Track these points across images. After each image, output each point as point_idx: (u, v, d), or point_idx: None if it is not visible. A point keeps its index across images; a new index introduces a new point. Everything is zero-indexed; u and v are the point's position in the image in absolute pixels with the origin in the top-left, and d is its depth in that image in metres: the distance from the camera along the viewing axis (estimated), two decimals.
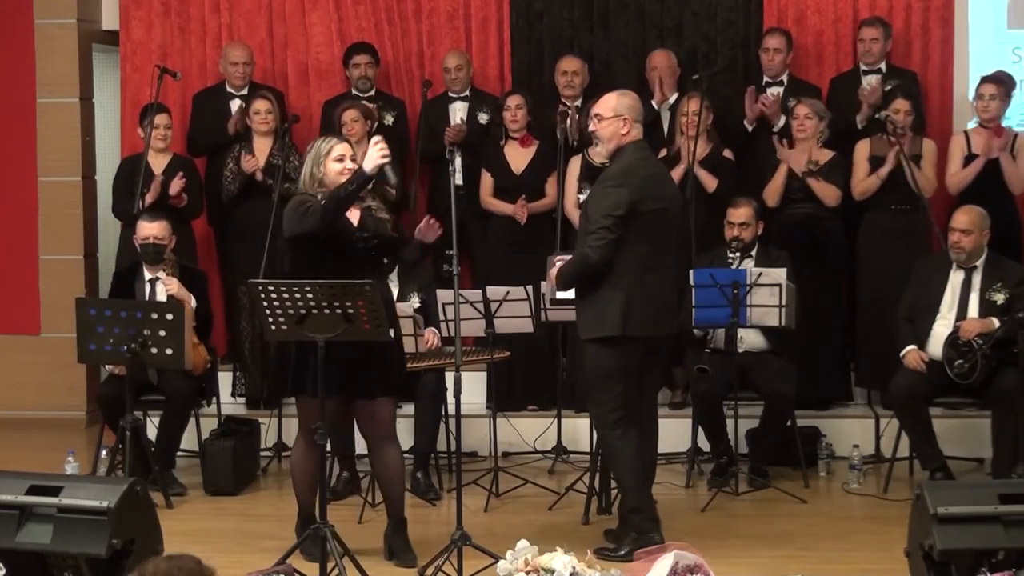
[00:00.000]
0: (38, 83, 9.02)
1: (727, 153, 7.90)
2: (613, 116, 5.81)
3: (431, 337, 6.89)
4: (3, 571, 4.90)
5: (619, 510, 6.09)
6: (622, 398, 5.77)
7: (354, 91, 8.42)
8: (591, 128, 5.94)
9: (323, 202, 5.56)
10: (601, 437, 5.98)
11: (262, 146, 8.17)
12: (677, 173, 7.45)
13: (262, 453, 7.60)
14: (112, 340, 6.58)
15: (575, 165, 7.84)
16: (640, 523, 5.80)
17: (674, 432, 6.31)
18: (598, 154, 5.92)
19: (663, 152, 7.77)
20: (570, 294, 6.39)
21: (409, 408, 7.27)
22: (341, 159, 5.67)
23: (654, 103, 7.95)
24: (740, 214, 7.24)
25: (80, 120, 9.01)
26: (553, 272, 5.94)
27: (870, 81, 8.02)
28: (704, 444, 7.26)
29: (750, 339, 7.07)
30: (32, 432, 8.40)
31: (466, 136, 8.15)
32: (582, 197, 6.55)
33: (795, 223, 7.68)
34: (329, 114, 8.29)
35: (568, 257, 6.00)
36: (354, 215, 5.72)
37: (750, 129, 8.03)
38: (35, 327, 9.07)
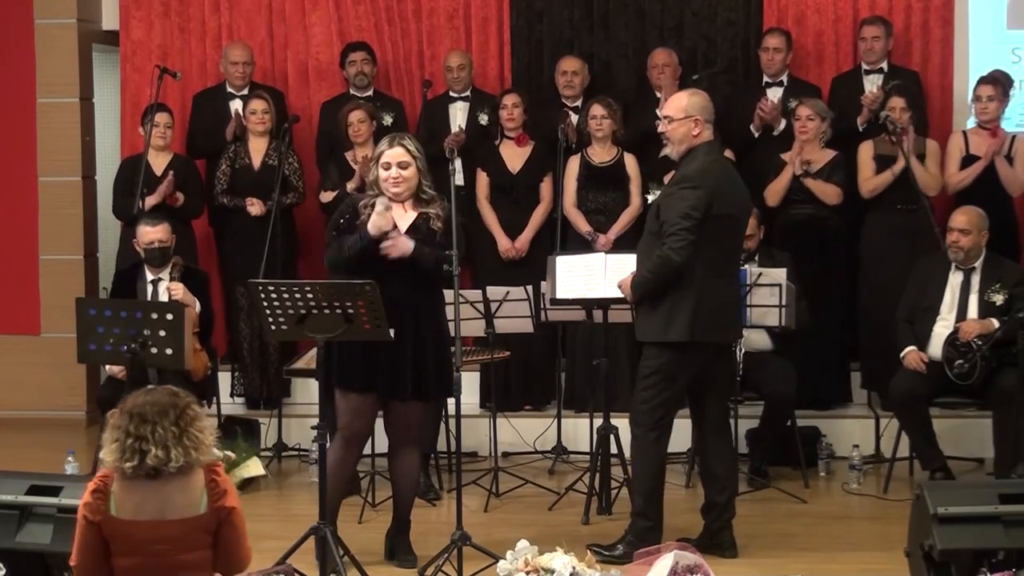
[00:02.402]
0: (38, 83, 9.02)
1: (727, 154, 7.88)
2: (684, 117, 5.72)
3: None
4: (3, 571, 4.89)
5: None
6: (669, 401, 5.76)
7: (352, 89, 8.42)
8: (661, 129, 5.88)
9: (347, 249, 5.56)
10: (634, 435, 5.90)
11: (258, 146, 8.17)
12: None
13: (262, 453, 7.60)
14: (112, 340, 6.56)
15: (573, 165, 7.84)
16: (642, 529, 5.77)
17: (674, 432, 6.28)
18: (674, 153, 5.82)
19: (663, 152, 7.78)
20: (572, 293, 6.39)
21: None
22: (387, 166, 5.64)
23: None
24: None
25: (80, 120, 9.01)
26: (626, 282, 5.82)
27: (875, 83, 8.00)
28: None
29: (750, 339, 7.06)
30: (32, 432, 8.39)
31: (466, 141, 8.14)
32: (650, 198, 6.44)
33: (797, 223, 7.68)
34: (328, 115, 8.30)
35: (563, 267, 5.92)
36: (405, 218, 5.67)
37: (756, 135, 8.00)
38: (35, 327, 9.07)
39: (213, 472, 4.00)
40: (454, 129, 8.34)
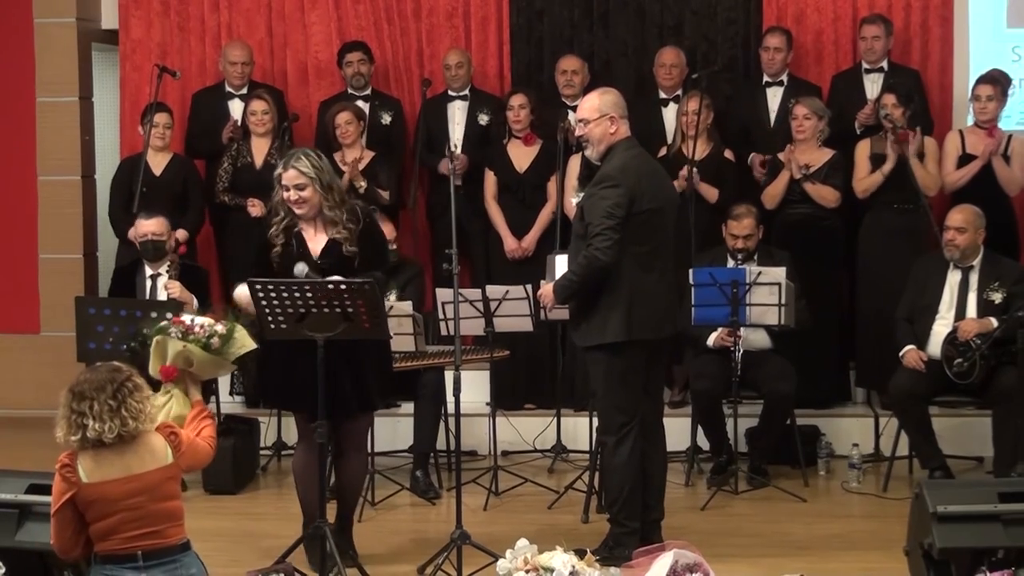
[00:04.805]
0: (37, 82, 9.02)
1: (728, 154, 7.89)
2: (599, 116, 5.70)
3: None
4: (3, 570, 4.89)
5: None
6: (626, 403, 5.70)
7: (350, 89, 8.42)
8: (578, 133, 5.85)
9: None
10: (600, 441, 5.93)
11: (260, 146, 8.16)
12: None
13: (261, 452, 7.60)
14: (112, 339, 6.56)
15: (575, 164, 7.83)
16: (619, 535, 5.74)
17: (673, 431, 6.29)
18: (594, 154, 5.81)
19: (663, 151, 7.76)
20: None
21: (408, 407, 7.27)
22: (287, 188, 5.56)
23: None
24: (744, 227, 7.21)
25: (80, 119, 9.00)
26: (547, 289, 5.83)
27: (875, 81, 7.97)
28: (703, 442, 7.26)
29: (749, 338, 7.06)
30: (32, 431, 8.32)
31: (468, 166, 8.08)
32: (575, 200, 6.55)
33: (795, 223, 7.68)
34: (326, 114, 8.28)
35: (561, 266, 5.92)
36: (316, 241, 5.61)
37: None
38: (35, 326, 9.07)
39: (169, 429, 4.42)
40: (453, 128, 8.34)
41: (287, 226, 5.60)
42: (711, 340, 7.09)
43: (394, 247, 7.25)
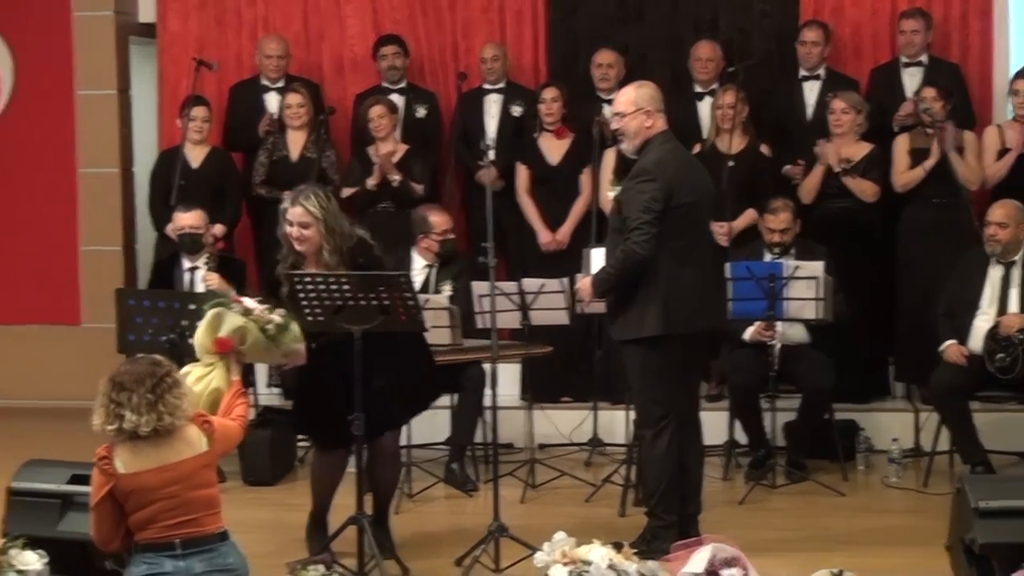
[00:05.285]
0: (77, 75, 9.07)
1: (764, 148, 7.84)
2: (635, 110, 5.67)
3: None
4: (46, 560, 4.92)
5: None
6: (664, 397, 5.67)
7: (385, 83, 8.42)
8: (614, 127, 5.84)
9: None
10: (638, 435, 5.91)
11: (297, 139, 8.18)
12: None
13: (299, 443, 7.60)
14: (151, 330, 6.59)
15: (610, 158, 7.80)
16: (656, 529, 5.70)
17: (710, 425, 6.26)
18: (630, 147, 5.79)
19: (697, 148, 7.72)
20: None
21: (445, 399, 7.28)
22: (290, 224, 5.53)
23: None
24: (780, 220, 7.18)
25: (118, 112, 9.05)
26: (585, 283, 5.82)
27: (913, 76, 7.89)
28: (741, 437, 7.23)
29: (787, 332, 7.02)
30: (73, 422, 8.33)
31: (499, 177, 8.00)
32: (611, 194, 6.54)
33: (833, 217, 7.62)
34: (361, 107, 8.28)
35: (597, 259, 5.90)
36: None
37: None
38: (76, 318, 9.13)
39: (202, 418, 4.43)
40: (488, 121, 8.33)
41: (292, 264, 5.58)
42: (747, 335, 7.06)
43: (451, 237, 7.26)
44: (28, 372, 9.09)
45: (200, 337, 5.00)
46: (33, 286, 9.23)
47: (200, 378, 4.83)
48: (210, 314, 5.03)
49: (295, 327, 5.13)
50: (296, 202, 5.51)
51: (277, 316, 5.07)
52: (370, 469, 5.74)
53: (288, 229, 5.53)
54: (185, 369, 4.89)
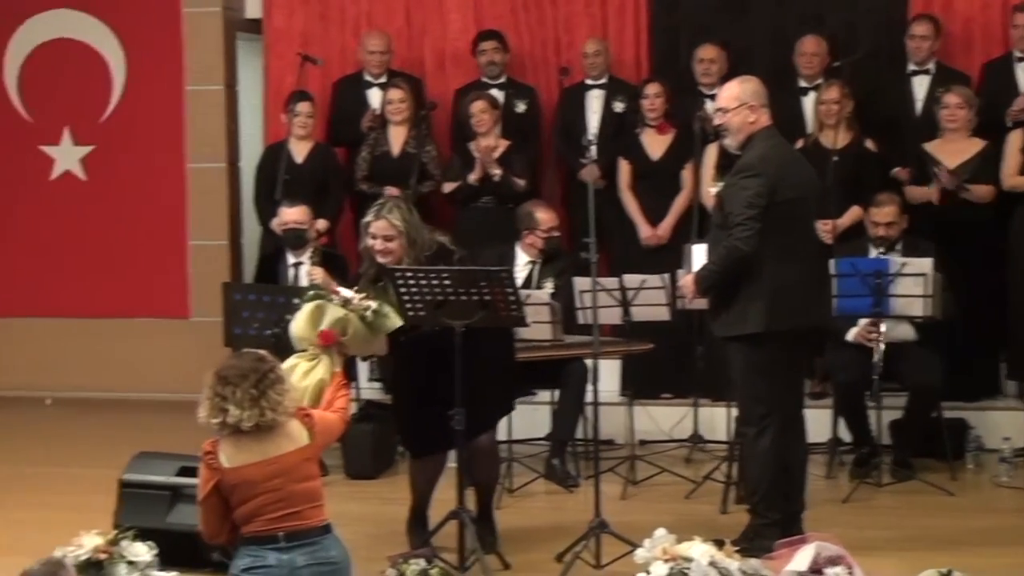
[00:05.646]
0: (186, 70, 9.21)
1: (869, 144, 7.73)
2: (738, 105, 5.62)
3: None
4: (155, 551, 5.00)
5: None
6: (767, 394, 5.61)
7: (484, 78, 8.44)
8: (717, 122, 5.80)
9: None
10: (740, 432, 5.87)
11: (398, 134, 8.23)
12: None
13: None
14: (256, 324, 6.66)
15: (712, 154, 7.74)
16: (759, 527, 5.65)
17: (814, 422, 6.19)
18: (733, 143, 5.75)
19: (800, 143, 7.62)
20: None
21: (545, 395, 7.28)
22: (373, 236, 5.57)
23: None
24: (885, 213, 7.07)
25: (225, 107, 9.17)
26: (688, 279, 5.78)
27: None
28: (845, 434, 7.14)
29: (893, 330, 6.92)
30: (183, 414, 8.48)
31: (602, 176, 7.98)
32: (714, 190, 6.50)
33: (942, 212, 7.49)
34: (461, 102, 8.31)
35: (698, 255, 5.86)
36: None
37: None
38: (185, 311, 9.28)
39: (303, 412, 4.49)
40: (589, 116, 8.31)
41: (372, 278, 5.60)
42: (851, 335, 6.98)
43: (557, 234, 7.27)
44: (138, 365, 9.25)
45: (301, 330, 5.06)
46: (143, 280, 9.39)
47: (307, 372, 4.90)
48: (310, 307, 5.09)
49: (389, 310, 5.20)
50: (380, 216, 5.54)
51: (372, 303, 5.14)
52: (469, 468, 5.76)
53: (371, 242, 5.56)
54: (290, 362, 4.96)
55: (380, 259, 5.57)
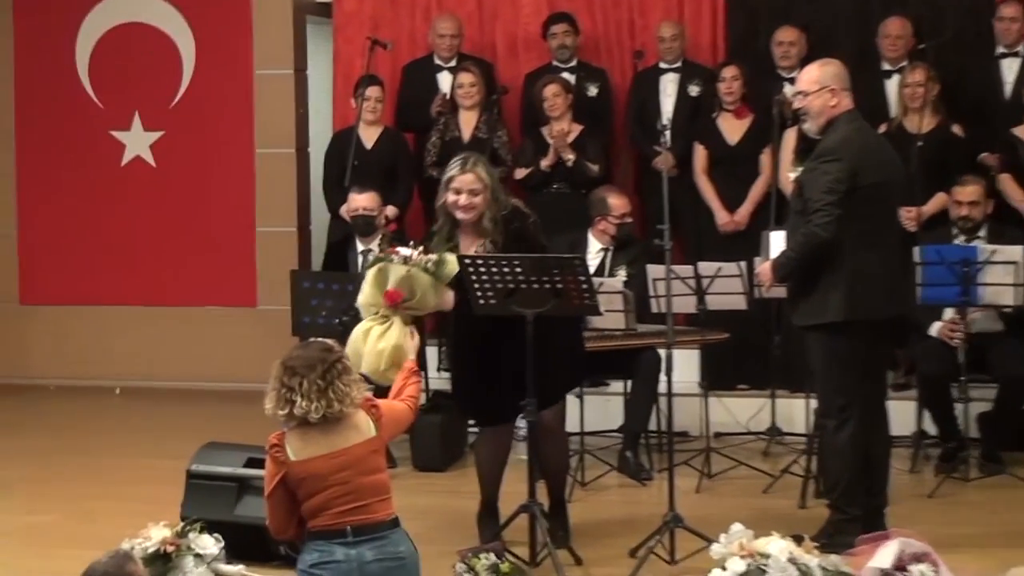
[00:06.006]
0: (255, 55, 9.22)
1: (956, 129, 7.56)
2: (819, 88, 5.55)
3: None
4: (222, 543, 4.98)
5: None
6: (847, 385, 5.53)
7: (555, 62, 8.37)
8: (797, 105, 5.73)
9: None
10: (820, 424, 5.78)
11: (468, 119, 8.18)
12: None
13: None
14: (325, 313, 6.66)
15: (791, 138, 7.62)
16: (839, 523, 5.56)
17: (898, 414, 6.08)
18: (813, 127, 5.65)
19: (884, 127, 7.47)
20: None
21: (618, 386, 7.21)
22: (457, 191, 5.49)
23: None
24: (968, 192, 6.94)
25: (294, 92, 9.16)
26: (766, 267, 5.70)
27: None
28: (930, 427, 7.01)
29: (980, 320, 6.76)
30: (251, 404, 8.50)
31: (676, 165, 7.86)
32: (792, 175, 6.37)
33: None
34: (531, 87, 8.24)
35: (776, 242, 5.77)
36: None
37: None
38: (252, 299, 9.30)
39: (369, 402, 4.43)
40: (664, 100, 8.20)
41: (448, 235, 5.56)
42: (933, 330, 6.84)
43: (629, 220, 7.21)
44: (205, 354, 9.28)
45: (367, 296, 5.10)
46: (210, 267, 9.41)
47: (381, 335, 4.89)
48: (373, 271, 5.13)
49: (450, 257, 5.23)
50: (466, 169, 5.50)
51: (431, 255, 5.19)
52: (537, 450, 5.71)
53: (453, 198, 5.49)
54: (363, 326, 4.99)
55: (461, 215, 5.51)
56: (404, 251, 5.20)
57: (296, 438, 4.34)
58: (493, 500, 5.82)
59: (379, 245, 7.28)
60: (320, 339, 4.51)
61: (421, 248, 5.22)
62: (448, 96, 8.32)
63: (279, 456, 4.34)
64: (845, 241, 5.41)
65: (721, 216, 7.92)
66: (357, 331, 5.16)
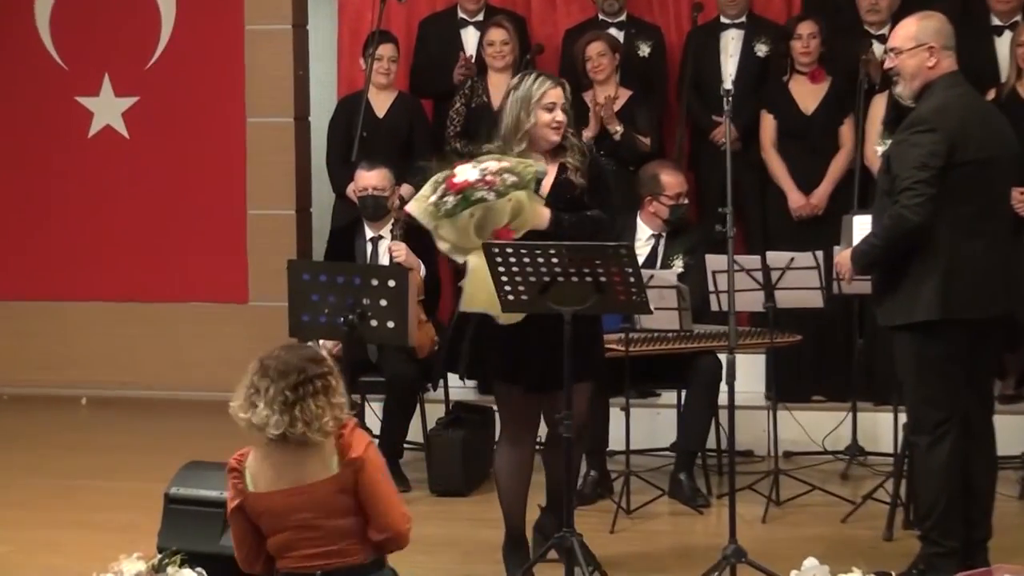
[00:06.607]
0: (246, 7, 9.26)
1: None
2: (915, 46, 5.55)
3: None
4: None
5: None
6: (943, 396, 5.55)
7: (601, 15, 8.43)
8: (887, 65, 5.75)
9: None
10: (911, 442, 5.81)
11: (498, 82, 8.20)
12: None
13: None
14: (327, 310, 6.65)
15: (879, 106, 7.67)
16: (932, 556, 5.58)
17: (1005, 431, 6.08)
18: (906, 91, 5.67)
19: (992, 93, 7.48)
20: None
21: (670, 396, 7.25)
22: (551, 108, 5.60)
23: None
24: None
25: (293, 51, 9.21)
26: (843, 258, 5.74)
27: None
28: None
29: None
30: None
31: (739, 138, 7.92)
32: (880, 149, 6.38)
33: None
34: (572, 45, 8.28)
35: (860, 228, 5.79)
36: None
37: None
38: (243, 295, 9.35)
39: (344, 436, 4.34)
40: (725, 61, 8.24)
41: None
42: None
43: (685, 202, 7.27)
44: (187, 358, 9.35)
45: (465, 241, 5.34)
46: (194, 257, 9.48)
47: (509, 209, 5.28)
48: (473, 220, 5.33)
49: (527, 161, 5.43)
50: (557, 83, 5.65)
51: (494, 163, 5.36)
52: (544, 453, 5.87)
53: (548, 116, 5.58)
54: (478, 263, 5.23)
55: (555, 136, 5.63)
56: (468, 173, 5.34)
57: (256, 461, 4.37)
58: (519, 528, 5.85)
59: (391, 231, 7.33)
60: (314, 345, 4.53)
61: (485, 165, 5.35)
62: (472, 57, 8.36)
63: (237, 483, 4.39)
64: (940, 227, 5.41)
65: (794, 198, 7.96)
66: (479, 271, 5.35)
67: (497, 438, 6.05)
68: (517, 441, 5.78)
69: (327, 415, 4.30)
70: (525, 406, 5.71)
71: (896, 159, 5.53)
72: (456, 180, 5.32)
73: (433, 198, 5.36)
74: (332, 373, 4.39)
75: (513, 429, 5.80)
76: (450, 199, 5.31)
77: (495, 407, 7.62)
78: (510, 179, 5.31)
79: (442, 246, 5.46)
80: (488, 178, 5.28)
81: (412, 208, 5.46)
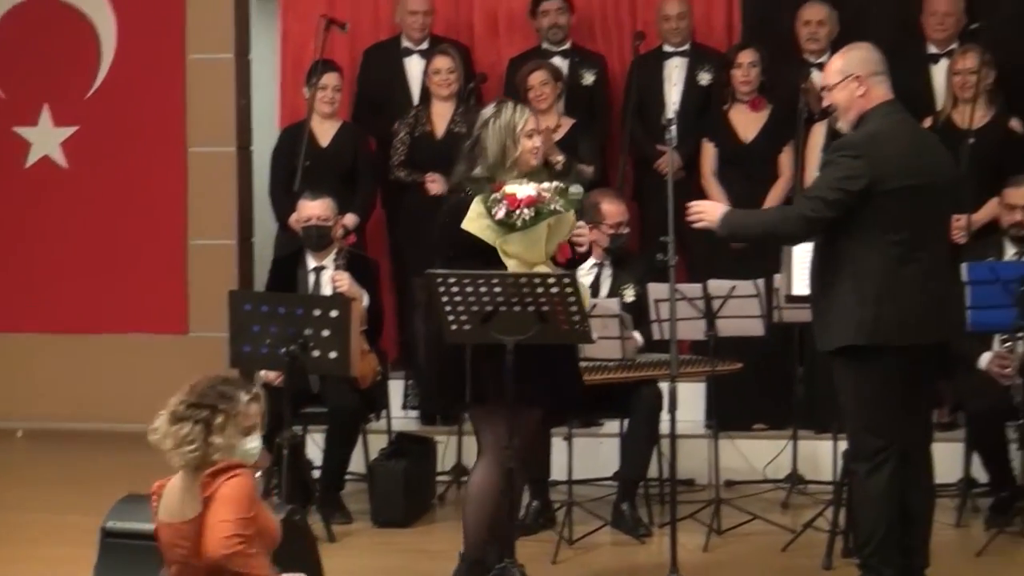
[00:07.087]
0: (187, 36, 9.24)
1: (1014, 123, 7.66)
2: (842, 79, 5.57)
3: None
4: None
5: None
6: (882, 423, 5.57)
7: (544, 44, 8.46)
8: (824, 104, 5.78)
9: None
10: (850, 470, 5.83)
11: (442, 111, 8.24)
12: None
13: (438, 477, 7.65)
14: (269, 340, 6.67)
15: (818, 134, 7.72)
16: None
17: (943, 458, 6.12)
18: (845, 124, 5.71)
19: (928, 121, 7.56)
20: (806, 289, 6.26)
21: (611, 426, 7.26)
22: (532, 135, 5.67)
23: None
24: (1023, 195, 7.02)
25: (235, 80, 9.20)
26: (708, 207, 5.79)
27: None
28: (980, 474, 7.09)
29: None
30: None
31: (683, 167, 7.96)
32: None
33: None
34: (515, 73, 8.31)
35: (800, 256, 5.84)
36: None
37: None
38: (182, 325, 9.31)
39: (212, 473, 4.29)
40: (669, 90, 8.29)
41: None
42: (983, 362, 6.93)
43: (625, 231, 7.31)
44: (125, 390, 9.18)
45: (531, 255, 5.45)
46: (133, 287, 9.41)
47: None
48: (541, 227, 5.44)
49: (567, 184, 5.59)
50: (529, 111, 5.78)
51: (529, 187, 5.47)
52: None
53: (533, 144, 5.67)
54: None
55: (535, 161, 5.73)
56: (521, 190, 5.45)
57: (168, 487, 4.35)
58: (479, 555, 5.74)
59: (334, 261, 7.34)
60: (240, 380, 4.51)
61: (528, 187, 5.45)
62: (424, 72, 8.36)
63: (154, 508, 4.39)
64: (872, 253, 5.45)
65: None
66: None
67: (477, 458, 5.97)
68: (496, 463, 5.71)
69: (196, 447, 4.25)
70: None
71: (819, 174, 5.63)
72: (520, 196, 5.41)
73: (500, 215, 5.41)
74: (226, 415, 4.31)
75: (494, 452, 5.73)
76: (526, 212, 5.39)
77: (437, 439, 7.71)
78: (562, 198, 5.51)
79: (509, 263, 5.47)
80: (544, 195, 5.45)
81: (471, 228, 5.49)
